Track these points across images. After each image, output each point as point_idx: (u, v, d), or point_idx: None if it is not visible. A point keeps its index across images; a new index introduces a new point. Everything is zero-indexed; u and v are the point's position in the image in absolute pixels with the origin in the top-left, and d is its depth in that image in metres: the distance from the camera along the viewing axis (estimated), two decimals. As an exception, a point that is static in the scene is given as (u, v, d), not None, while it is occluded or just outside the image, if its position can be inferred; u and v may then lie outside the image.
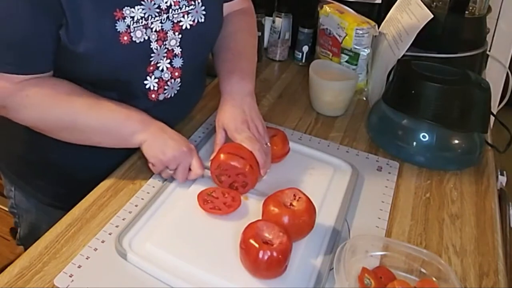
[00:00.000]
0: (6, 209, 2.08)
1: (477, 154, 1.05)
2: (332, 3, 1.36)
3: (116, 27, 0.84)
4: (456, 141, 1.04)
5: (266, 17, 1.48)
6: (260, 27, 1.46)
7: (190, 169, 0.92)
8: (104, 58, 0.86)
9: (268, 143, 0.95)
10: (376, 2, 1.39)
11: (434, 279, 0.73)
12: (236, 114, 0.95)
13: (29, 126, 0.91)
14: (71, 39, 0.83)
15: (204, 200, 0.87)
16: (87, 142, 0.92)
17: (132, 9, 0.86)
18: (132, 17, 0.86)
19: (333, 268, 0.72)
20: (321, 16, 1.36)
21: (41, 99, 0.86)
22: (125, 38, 0.85)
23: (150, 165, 0.92)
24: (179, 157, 0.89)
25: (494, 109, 1.65)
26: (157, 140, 0.89)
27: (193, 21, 0.94)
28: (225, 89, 1.01)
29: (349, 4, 1.35)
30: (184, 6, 0.92)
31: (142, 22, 0.87)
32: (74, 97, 0.88)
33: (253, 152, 0.89)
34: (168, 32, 0.91)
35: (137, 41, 0.87)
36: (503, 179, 1.14)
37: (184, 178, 0.91)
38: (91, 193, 0.91)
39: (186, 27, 0.93)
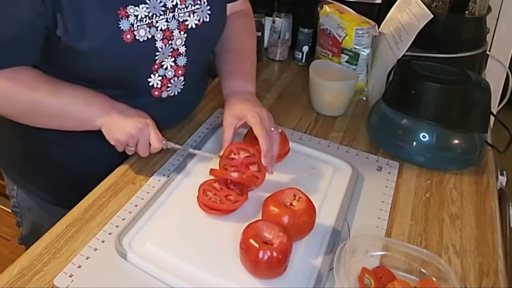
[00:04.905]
0: (7, 209, 2.08)
1: (477, 154, 1.05)
2: (332, 3, 1.36)
3: (120, 26, 0.85)
4: (456, 141, 1.04)
5: (266, 17, 1.48)
6: (260, 27, 1.46)
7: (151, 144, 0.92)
8: (106, 56, 0.86)
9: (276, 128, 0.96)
10: (376, 2, 1.39)
11: (434, 279, 0.73)
12: (245, 103, 0.96)
13: None
14: (72, 38, 0.84)
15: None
16: (52, 126, 0.93)
17: (136, 8, 0.86)
18: (136, 16, 0.86)
19: (333, 268, 0.72)
20: (321, 16, 1.36)
21: (5, 87, 0.87)
22: (128, 36, 0.86)
23: (114, 146, 0.93)
24: (136, 134, 0.89)
25: (494, 109, 1.65)
26: (113, 123, 0.90)
27: (199, 20, 0.94)
28: (229, 89, 1.02)
29: (349, 4, 1.35)
30: (190, 5, 0.93)
31: (146, 21, 0.87)
32: (36, 83, 0.88)
33: (258, 138, 0.90)
34: (174, 31, 0.91)
35: (141, 40, 0.87)
36: (503, 179, 1.14)
37: (145, 153, 0.92)
38: (91, 193, 0.91)
39: (191, 27, 0.94)
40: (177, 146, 0.96)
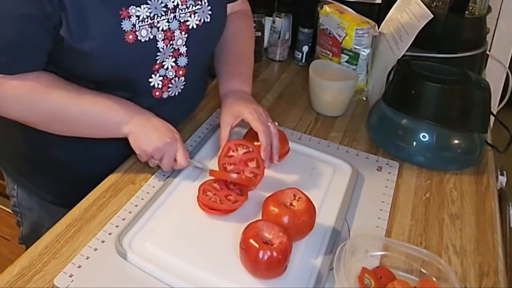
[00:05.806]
0: (7, 209, 2.08)
1: (477, 154, 1.05)
2: (332, 3, 1.36)
3: (122, 26, 0.85)
4: (456, 141, 1.04)
5: (266, 17, 1.48)
6: (260, 27, 1.46)
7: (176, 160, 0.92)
8: (109, 56, 0.86)
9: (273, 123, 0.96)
10: (376, 2, 1.39)
11: (434, 279, 0.73)
12: (242, 102, 0.97)
13: (15, 119, 0.91)
14: (74, 38, 0.83)
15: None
16: (75, 134, 0.92)
17: (138, 8, 0.86)
18: (138, 16, 0.86)
19: (333, 268, 0.72)
20: (321, 16, 1.36)
21: (25, 92, 0.86)
22: (130, 37, 0.86)
23: (137, 155, 0.93)
24: (162, 148, 0.89)
25: (494, 109, 1.65)
26: (141, 132, 0.89)
27: (200, 20, 0.95)
28: (226, 89, 1.02)
29: (349, 4, 1.35)
30: (191, 5, 0.93)
31: (147, 21, 0.87)
32: (57, 89, 0.87)
33: (259, 133, 0.90)
34: (175, 31, 0.92)
35: (142, 40, 0.87)
36: (503, 179, 1.14)
37: (169, 167, 0.92)
38: (91, 193, 0.91)
39: (192, 27, 0.94)
40: (201, 165, 0.95)
